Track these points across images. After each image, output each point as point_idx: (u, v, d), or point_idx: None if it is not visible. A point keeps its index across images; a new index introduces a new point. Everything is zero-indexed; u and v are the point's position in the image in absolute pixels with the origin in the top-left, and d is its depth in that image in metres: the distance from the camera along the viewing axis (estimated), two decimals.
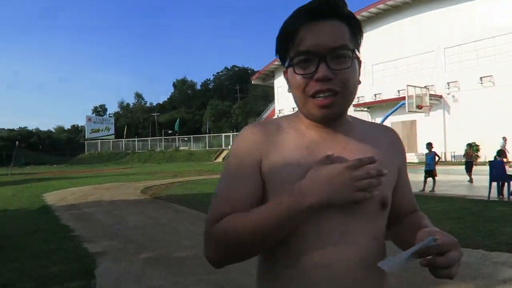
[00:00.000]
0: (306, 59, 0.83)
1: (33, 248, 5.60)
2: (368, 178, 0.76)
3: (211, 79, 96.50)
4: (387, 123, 25.18)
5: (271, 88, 45.98)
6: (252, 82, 48.27)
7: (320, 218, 0.81)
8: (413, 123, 28.47)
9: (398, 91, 28.78)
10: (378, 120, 28.30)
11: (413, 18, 28.82)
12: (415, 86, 18.38)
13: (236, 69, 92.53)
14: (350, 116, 0.96)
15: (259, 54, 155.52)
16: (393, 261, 0.74)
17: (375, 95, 31.15)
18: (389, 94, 29.69)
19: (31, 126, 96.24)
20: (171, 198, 10.90)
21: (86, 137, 59.65)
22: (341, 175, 0.76)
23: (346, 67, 0.83)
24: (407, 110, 18.34)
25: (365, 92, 31.74)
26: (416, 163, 25.54)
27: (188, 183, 15.50)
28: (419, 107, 18.99)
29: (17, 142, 33.08)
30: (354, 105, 31.38)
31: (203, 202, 9.60)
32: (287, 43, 0.86)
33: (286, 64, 0.88)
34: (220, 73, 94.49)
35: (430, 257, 0.73)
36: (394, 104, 26.21)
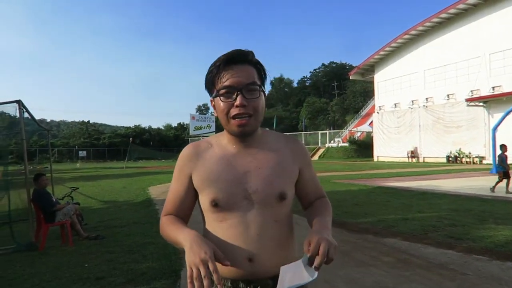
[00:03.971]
0: (228, 92, 1.15)
1: (129, 240, 5.81)
2: (197, 278, 0.98)
3: (308, 76, 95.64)
4: (510, 119, 21.90)
5: (371, 83, 43.68)
6: (350, 78, 46.30)
7: (237, 209, 1.18)
8: None
9: None
10: (497, 116, 24.83)
11: None
12: None
13: (334, 65, 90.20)
14: (265, 129, 1.32)
15: (357, 49, 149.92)
16: (293, 267, 1.05)
17: (493, 88, 27.41)
18: (511, 86, 25.87)
19: (144, 124, 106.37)
20: None
21: (190, 134, 63.68)
22: (196, 257, 1.01)
23: (256, 97, 1.17)
24: None
25: (480, 84, 28.16)
26: None
27: None
28: None
29: (131, 139, 36.49)
30: (467, 100, 28.14)
31: (295, 202, 9.21)
32: (213, 80, 1.19)
33: (214, 95, 1.20)
34: (317, 70, 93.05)
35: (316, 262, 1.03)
36: None
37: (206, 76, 1.22)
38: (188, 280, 0.99)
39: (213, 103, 1.23)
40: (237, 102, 1.13)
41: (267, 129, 1.33)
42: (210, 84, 1.21)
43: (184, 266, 4.43)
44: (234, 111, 1.15)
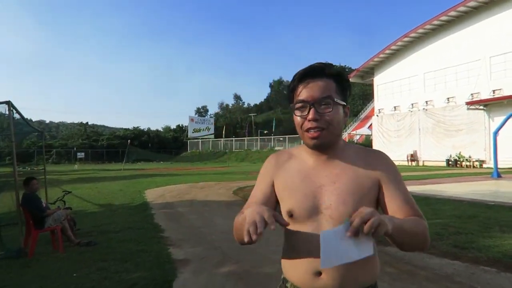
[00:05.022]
0: (302, 106, 1.19)
1: (123, 247, 5.60)
2: (252, 227, 1.01)
3: None
4: (510, 122, 21.77)
5: (370, 86, 43.54)
6: (350, 80, 45.88)
7: (311, 222, 1.19)
8: None
9: None
10: (498, 120, 24.68)
11: None
12: None
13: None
14: (347, 143, 1.32)
15: (356, 52, 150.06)
16: (333, 232, 0.99)
17: (493, 91, 27.26)
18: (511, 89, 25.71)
19: (143, 126, 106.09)
20: None
21: (188, 136, 63.53)
22: (255, 216, 1.03)
23: (329, 111, 1.17)
24: None
25: (480, 87, 28.00)
26: None
27: None
28: None
29: (129, 141, 36.27)
30: (468, 103, 28.02)
31: None
32: (292, 95, 1.24)
33: (291, 108, 1.25)
34: None
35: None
36: None
37: (287, 90, 1.28)
38: (245, 233, 1.01)
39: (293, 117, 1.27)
40: (309, 116, 1.17)
41: (350, 143, 1.34)
42: (290, 98, 1.26)
43: (178, 276, 4.26)
44: (307, 125, 1.18)
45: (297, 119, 1.21)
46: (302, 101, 1.18)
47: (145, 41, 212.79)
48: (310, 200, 1.19)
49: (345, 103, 1.22)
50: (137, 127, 74.82)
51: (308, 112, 1.17)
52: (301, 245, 1.20)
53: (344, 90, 1.23)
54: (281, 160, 1.33)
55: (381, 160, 1.26)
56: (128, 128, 75.58)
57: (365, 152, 1.29)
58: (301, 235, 1.20)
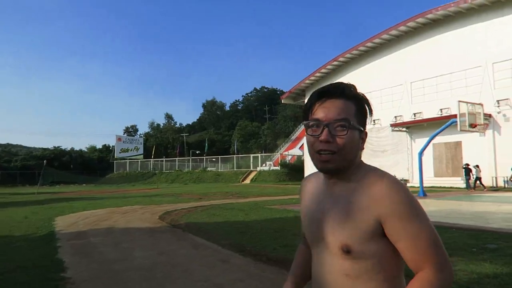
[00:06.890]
0: (316, 125, 1.12)
1: None
2: None
3: (240, 100, 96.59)
4: (430, 144, 23.10)
5: (301, 108, 44.66)
6: (282, 101, 46.87)
7: (316, 248, 1.19)
8: (458, 144, 26.09)
9: (441, 109, 26.63)
10: (419, 141, 26.19)
11: (456, 32, 26.84)
12: (467, 102, 16.32)
13: (265, 90, 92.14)
14: (361, 166, 1.18)
15: (288, 76, 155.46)
16: None
17: (414, 114, 29.07)
18: (430, 113, 27.56)
19: (66, 145, 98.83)
20: (190, 226, 9.40)
21: (115, 157, 59.85)
22: None
23: (343, 134, 1.09)
24: (459, 129, 16.35)
25: (403, 111, 29.79)
26: (463, 188, 23.21)
27: (212, 208, 14.04)
28: (473, 125, 16.76)
29: (44, 161, 32.93)
30: (392, 125, 29.51)
31: (227, 234, 8.10)
32: (307, 113, 1.18)
33: (304, 126, 1.19)
34: (249, 94, 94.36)
35: None
36: (436, 124, 24.12)
37: (303, 109, 1.24)
38: None
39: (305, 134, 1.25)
40: (322, 136, 1.11)
41: (365, 166, 1.18)
42: (305, 116, 1.21)
43: None
44: (318, 146, 1.12)
45: (309, 138, 1.15)
46: (317, 119, 1.12)
47: (69, 58, 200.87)
48: (313, 225, 1.19)
49: (362, 128, 1.16)
50: (58, 146, 69.27)
51: (321, 133, 1.10)
52: (312, 267, 1.23)
53: (363, 114, 1.17)
54: (306, 182, 1.33)
55: (386, 191, 1.07)
56: (48, 148, 69.66)
57: (372, 179, 1.11)
58: (313, 260, 1.22)
